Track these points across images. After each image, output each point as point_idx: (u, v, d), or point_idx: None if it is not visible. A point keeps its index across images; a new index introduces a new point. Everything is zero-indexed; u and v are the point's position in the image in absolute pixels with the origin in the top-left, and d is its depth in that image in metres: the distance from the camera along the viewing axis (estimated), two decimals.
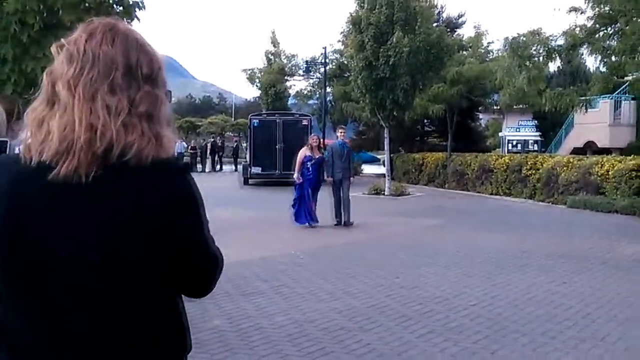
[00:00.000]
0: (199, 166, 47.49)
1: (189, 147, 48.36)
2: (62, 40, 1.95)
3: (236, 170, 44.84)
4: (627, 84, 27.51)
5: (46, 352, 1.89)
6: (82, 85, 1.85)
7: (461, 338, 7.41)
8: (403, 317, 8.29)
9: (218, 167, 49.93)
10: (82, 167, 1.80)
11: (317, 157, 17.33)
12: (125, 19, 9.60)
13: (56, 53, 1.93)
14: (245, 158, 36.79)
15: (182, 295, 2.06)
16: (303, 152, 17.41)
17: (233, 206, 20.74)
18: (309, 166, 17.07)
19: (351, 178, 18.11)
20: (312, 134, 19.69)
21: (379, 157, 35.79)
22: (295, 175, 17.30)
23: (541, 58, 20.93)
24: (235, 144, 55.14)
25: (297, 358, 6.66)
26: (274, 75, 50.39)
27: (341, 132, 18.72)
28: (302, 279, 10.55)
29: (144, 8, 10.88)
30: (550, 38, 20.36)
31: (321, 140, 18.62)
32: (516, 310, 8.64)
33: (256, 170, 33.28)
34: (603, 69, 22.33)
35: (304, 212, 16.95)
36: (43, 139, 1.85)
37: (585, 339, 7.43)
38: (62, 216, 1.83)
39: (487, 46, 36.94)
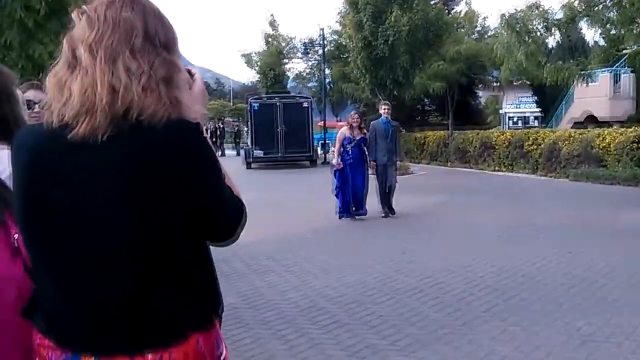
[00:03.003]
0: None
1: None
2: (83, 7, 2.00)
3: (238, 154, 44.50)
4: (626, 56, 27.51)
5: (77, 315, 1.94)
6: (104, 48, 1.89)
7: (472, 308, 7.52)
8: (414, 289, 8.41)
9: (219, 152, 49.75)
10: (100, 126, 1.84)
11: (359, 138, 14.88)
12: None
13: (77, 19, 1.97)
14: (247, 142, 36.58)
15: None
16: (342, 133, 15.13)
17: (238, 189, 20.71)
18: (349, 149, 14.73)
19: (398, 162, 15.88)
20: (353, 112, 16.79)
21: None
22: (334, 160, 15.14)
23: (539, 32, 20.91)
24: (235, 128, 54.84)
25: (313, 330, 6.77)
26: (272, 58, 50.29)
27: (385, 109, 15.48)
28: (311, 257, 10.66)
29: None
30: (549, 12, 20.34)
31: (361, 119, 15.87)
32: (524, 280, 8.75)
33: (258, 153, 33.15)
34: (602, 42, 22.34)
35: (346, 203, 14.68)
36: (64, 101, 1.90)
37: (593, 304, 7.54)
38: (83, 175, 1.88)
39: (483, 22, 36.97)
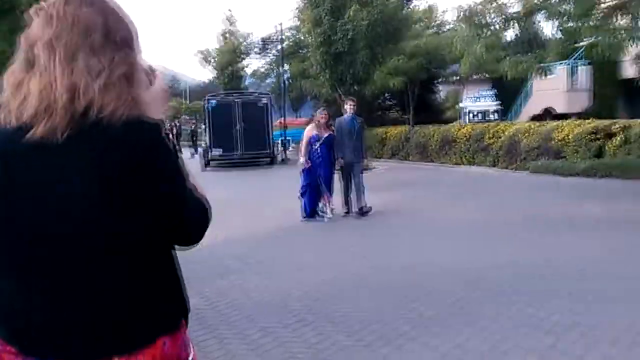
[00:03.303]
0: None
1: None
2: (41, 3, 1.96)
3: (196, 154, 43.32)
4: (582, 49, 27.83)
5: (43, 321, 1.89)
6: (62, 46, 1.87)
7: (438, 302, 7.49)
8: (377, 285, 8.37)
9: None
10: (60, 126, 1.81)
11: (326, 135, 14.25)
12: None
13: (34, 16, 1.93)
14: (204, 141, 35.99)
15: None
16: (309, 131, 14.44)
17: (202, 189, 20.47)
18: (317, 147, 14.13)
19: (364, 160, 15.23)
20: (321, 109, 15.73)
21: None
22: (301, 160, 14.39)
23: (498, 26, 20.97)
24: (192, 127, 53.57)
25: (278, 329, 6.67)
26: (229, 55, 49.95)
27: (351, 105, 14.82)
28: (274, 256, 10.57)
29: None
30: (507, 5, 20.41)
31: (329, 116, 14.97)
32: (489, 272, 8.75)
33: (216, 152, 32.62)
34: (559, 35, 22.50)
35: (313, 204, 14.25)
36: (22, 100, 1.87)
37: (556, 294, 7.58)
38: (42, 176, 1.84)
39: (442, 16, 37.17)
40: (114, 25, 1.95)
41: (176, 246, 2.07)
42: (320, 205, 14.39)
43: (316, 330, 6.63)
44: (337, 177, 14.60)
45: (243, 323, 6.98)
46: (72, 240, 1.84)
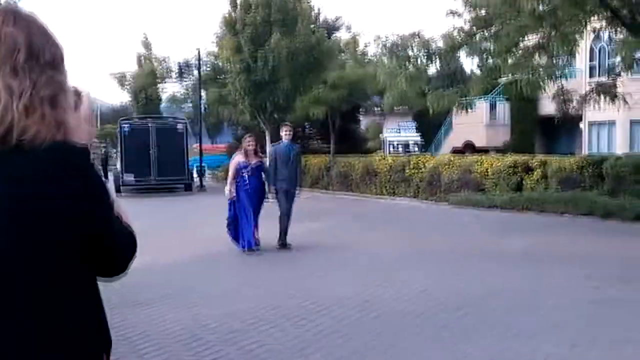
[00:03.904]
0: None
1: None
2: None
3: (107, 179, 41.27)
4: (501, 85, 28.40)
5: None
6: None
7: (360, 335, 7.30)
8: (297, 317, 8.13)
9: None
10: None
11: (255, 163, 13.40)
12: None
13: None
14: (116, 166, 34.91)
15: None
16: (236, 159, 13.52)
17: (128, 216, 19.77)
18: (245, 176, 13.26)
19: (298, 189, 14.16)
20: (248, 135, 14.78)
21: None
22: (226, 189, 13.63)
23: (421, 60, 21.17)
24: (103, 151, 51.25)
25: None
26: (145, 79, 49.00)
27: (287, 132, 14.05)
28: (190, 287, 10.19)
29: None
30: (431, 41, 20.63)
31: (256, 143, 13.96)
32: (413, 306, 8.59)
33: (129, 177, 31.65)
34: (480, 71, 22.87)
35: (244, 234, 13.27)
36: None
37: (479, 327, 7.50)
38: None
39: (365, 48, 37.46)
40: (39, 46, 1.85)
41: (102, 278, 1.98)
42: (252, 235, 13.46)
43: None
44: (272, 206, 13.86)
45: (155, 355, 6.70)
46: None
